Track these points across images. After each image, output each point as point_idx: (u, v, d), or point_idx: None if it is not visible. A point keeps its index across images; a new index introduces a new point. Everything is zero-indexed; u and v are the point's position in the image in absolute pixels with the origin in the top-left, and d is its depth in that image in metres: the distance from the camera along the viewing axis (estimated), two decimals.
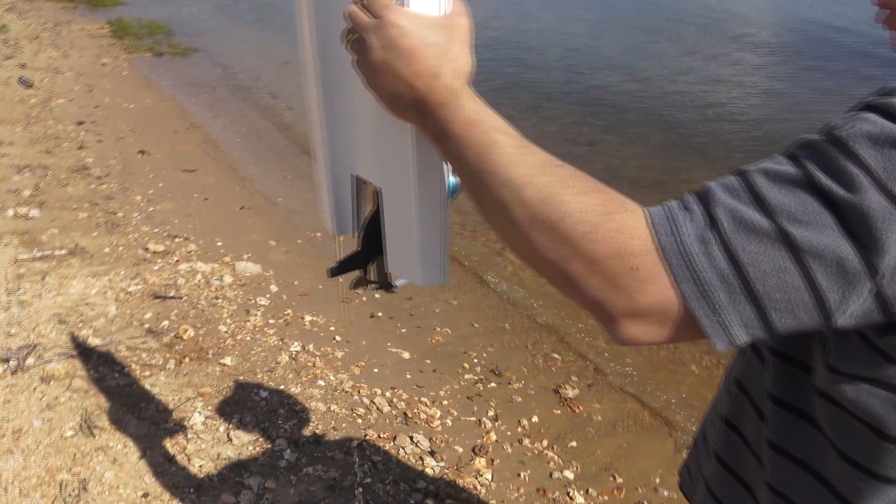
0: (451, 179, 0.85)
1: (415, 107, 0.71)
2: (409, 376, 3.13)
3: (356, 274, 1.09)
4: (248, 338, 3.27)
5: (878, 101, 0.59)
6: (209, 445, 2.52)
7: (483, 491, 2.47)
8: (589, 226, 0.61)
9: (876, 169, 0.55)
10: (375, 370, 3.14)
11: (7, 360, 2.83)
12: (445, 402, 2.96)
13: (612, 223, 0.61)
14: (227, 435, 2.59)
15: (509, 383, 3.13)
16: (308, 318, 3.50)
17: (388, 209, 0.92)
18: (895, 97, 0.58)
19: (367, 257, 1.05)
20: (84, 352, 2.97)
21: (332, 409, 2.82)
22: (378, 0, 0.70)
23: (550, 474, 2.59)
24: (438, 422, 2.82)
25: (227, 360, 3.05)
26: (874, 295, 0.57)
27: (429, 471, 2.54)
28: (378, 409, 2.86)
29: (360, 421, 2.77)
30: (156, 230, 4.33)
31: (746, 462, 0.89)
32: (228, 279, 3.80)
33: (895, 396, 0.67)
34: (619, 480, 2.59)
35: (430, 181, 0.83)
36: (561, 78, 8.03)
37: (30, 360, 2.86)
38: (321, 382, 2.98)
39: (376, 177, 0.94)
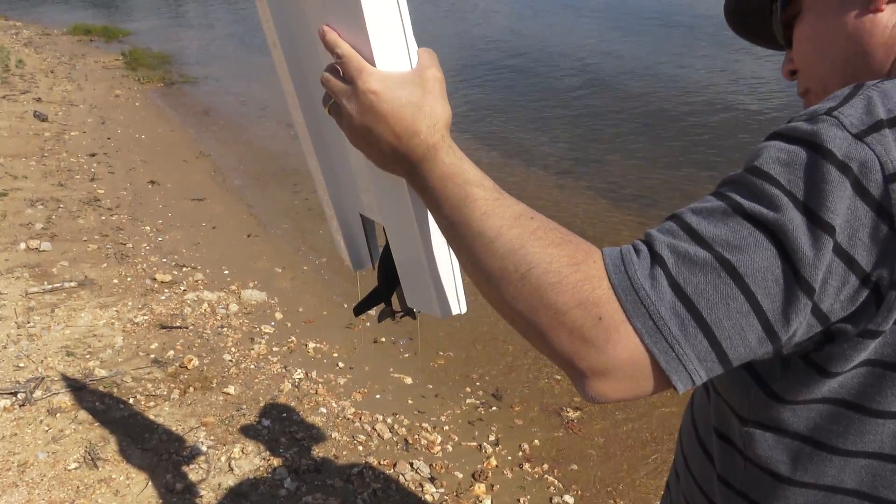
0: None
1: (397, 163, 0.74)
2: (410, 402, 3.14)
3: (379, 307, 1.10)
4: (252, 366, 3.30)
5: (781, 129, 0.64)
6: (210, 475, 2.55)
7: None
8: (556, 276, 0.62)
9: (791, 189, 0.59)
10: (377, 396, 3.16)
11: (15, 394, 2.88)
12: (447, 428, 2.97)
13: (578, 274, 0.62)
14: (229, 465, 2.61)
15: (511, 406, 3.14)
16: (312, 344, 3.53)
17: (395, 247, 0.92)
18: (795, 122, 0.63)
19: (388, 290, 1.06)
20: (91, 383, 3.01)
21: (333, 436, 2.84)
22: (349, 65, 0.71)
23: (550, 499, 2.59)
24: (439, 447, 2.83)
25: (231, 389, 3.08)
26: (812, 311, 0.60)
27: (428, 497, 2.54)
28: (379, 435, 2.87)
29: (360, 448, 2.79)
30: (164, 260, 4.40)
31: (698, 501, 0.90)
32: (234, 307, 3.85)
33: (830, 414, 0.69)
34: (621, 503, 2.59)
35: (430, 220, 0.82)
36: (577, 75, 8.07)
37: (37, 393, 2.91)
38: (323, 410, 3.01)
39: (380, 216, 0.95)
